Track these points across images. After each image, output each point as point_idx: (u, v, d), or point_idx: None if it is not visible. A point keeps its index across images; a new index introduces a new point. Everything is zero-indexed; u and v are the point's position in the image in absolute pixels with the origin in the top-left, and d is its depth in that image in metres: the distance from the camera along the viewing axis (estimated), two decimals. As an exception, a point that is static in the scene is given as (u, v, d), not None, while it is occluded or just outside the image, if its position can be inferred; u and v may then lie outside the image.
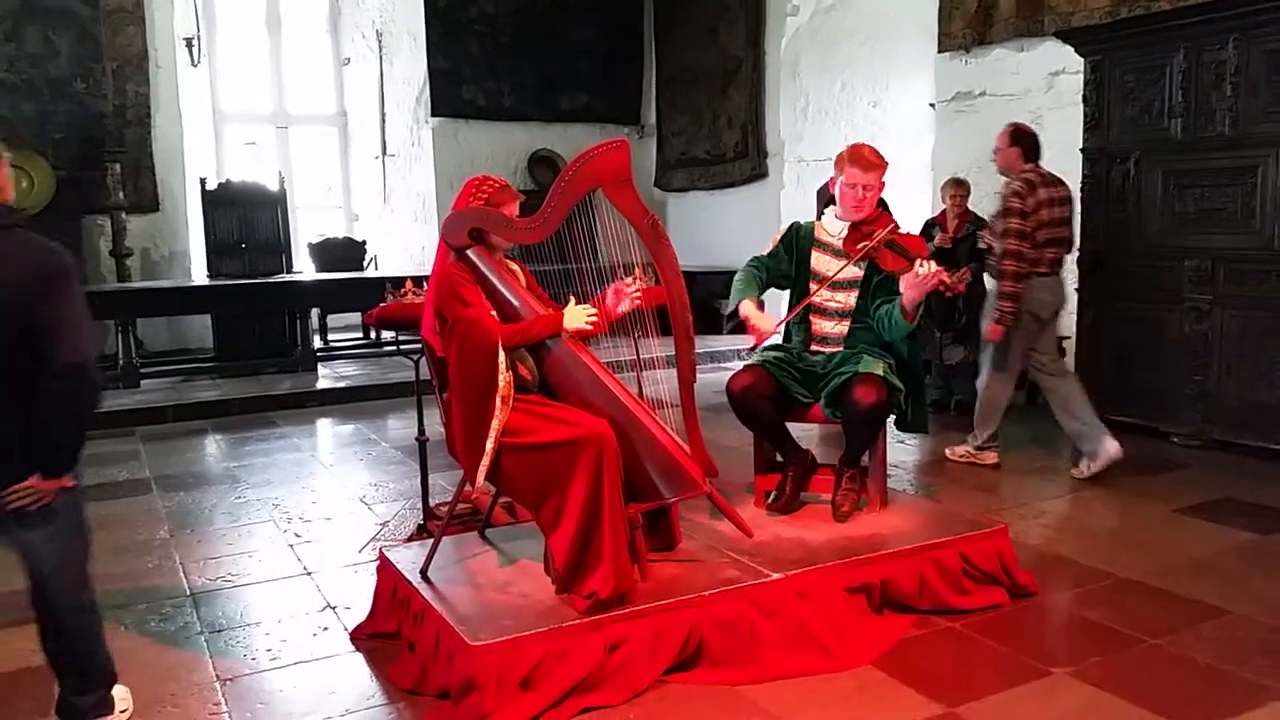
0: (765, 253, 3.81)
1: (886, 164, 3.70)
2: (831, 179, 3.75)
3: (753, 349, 3.66)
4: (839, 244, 3.68)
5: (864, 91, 9.96)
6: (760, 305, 3.66)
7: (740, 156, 10.63)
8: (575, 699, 2.65)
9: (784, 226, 3.89)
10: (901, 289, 3.46)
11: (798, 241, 3.77)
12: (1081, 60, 6.07)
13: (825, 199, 6.09)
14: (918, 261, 3.40)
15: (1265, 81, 5.08)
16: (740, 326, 3.73)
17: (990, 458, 5.25)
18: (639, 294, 3.12)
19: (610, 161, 2.95)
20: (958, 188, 6.48)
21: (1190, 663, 2.93)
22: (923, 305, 3.45)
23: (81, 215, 9.29)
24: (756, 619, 2.91)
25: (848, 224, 3.67)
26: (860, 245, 3.56)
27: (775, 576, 3.01)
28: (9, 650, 3.23)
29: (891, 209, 4.13)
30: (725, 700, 2.74)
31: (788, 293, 3.84)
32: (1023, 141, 5.04)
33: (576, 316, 2.99)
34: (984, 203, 6.75)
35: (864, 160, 3.63)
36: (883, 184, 3.70)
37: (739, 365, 3.75)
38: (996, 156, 5.12)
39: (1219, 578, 3.59)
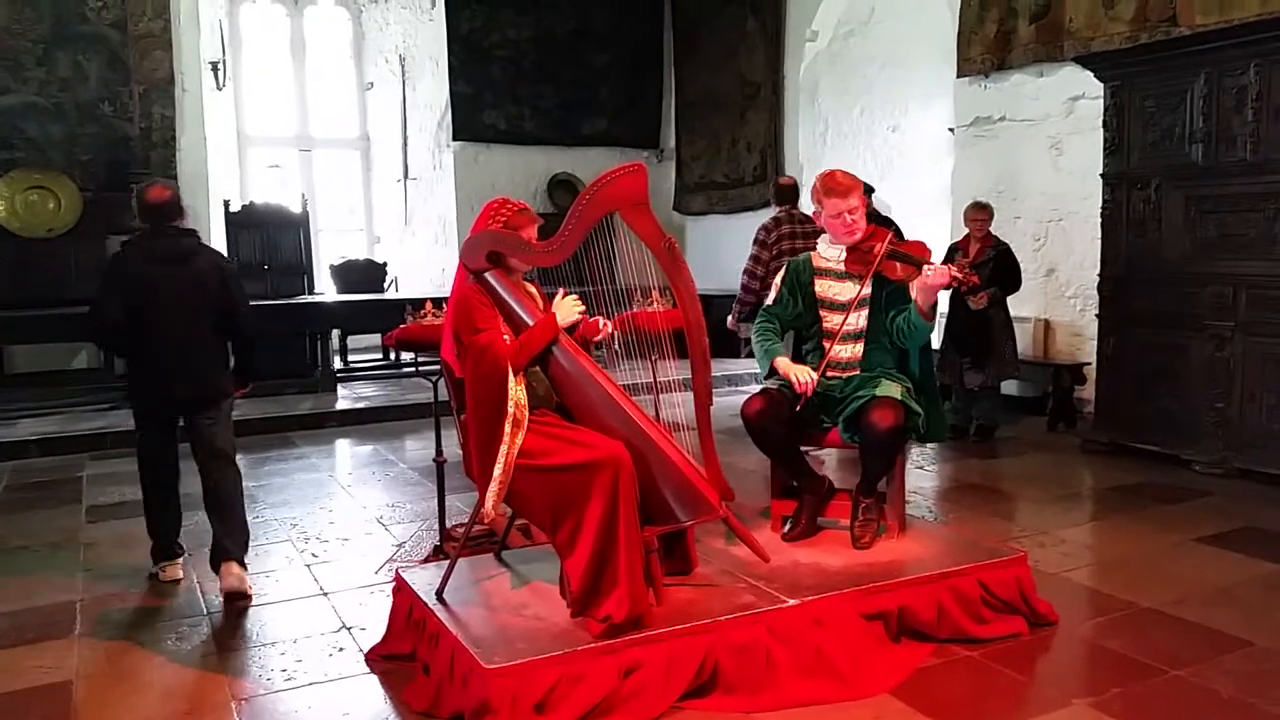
0: (770, 302, 3.80)
1: (860, 181, 3.69)
2: (815, 213, 3.74)
3: (805, 401, 3.52)
4: (840, 267, 3.68)
5: (883, 116, 9.98)
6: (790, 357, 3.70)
7: (759, 180, 10.66)
8: (589, 723, 2.64)
9: (780, 271, 3.87)
10: (913, 294, 3.46)
11: (798, 278, 3.76)
12: (1101, 85, 6.06)
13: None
14: (924, 265, 3.41)
15: (1287, 107, 5.06)
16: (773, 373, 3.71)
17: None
18: (608, 329, 3.28)
19: (627, 185, 2.97)
20: (979, 211, 6.45)
21: (1213, 695, 2.88)
22: (935, 307, 3.46)
23: (107, 235, 9.37)
24: (772, 645, 2.89)
25: (843, 247, 3.67)
26: (864, 264, 3.56)
27: (791, 602, 2.99)
28: (20, 668, 3.25)
29: (900, 227, 4.14)
30: (740, 727, 2.72)
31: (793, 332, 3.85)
32: (778, 191, 6.77)
33: (567, 310, 3.02)
34: (1003, 228, 6.74)
35: (839, 187, 3.61)
36: (865, 199, 3.69)
37: (756, 389, 3.75)
38: None
39: (1241, 608, 3.54)
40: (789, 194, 6.58)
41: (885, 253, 3.53)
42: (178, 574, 4.06)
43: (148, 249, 3.98)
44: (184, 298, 3.88)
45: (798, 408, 3.54)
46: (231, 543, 3.91)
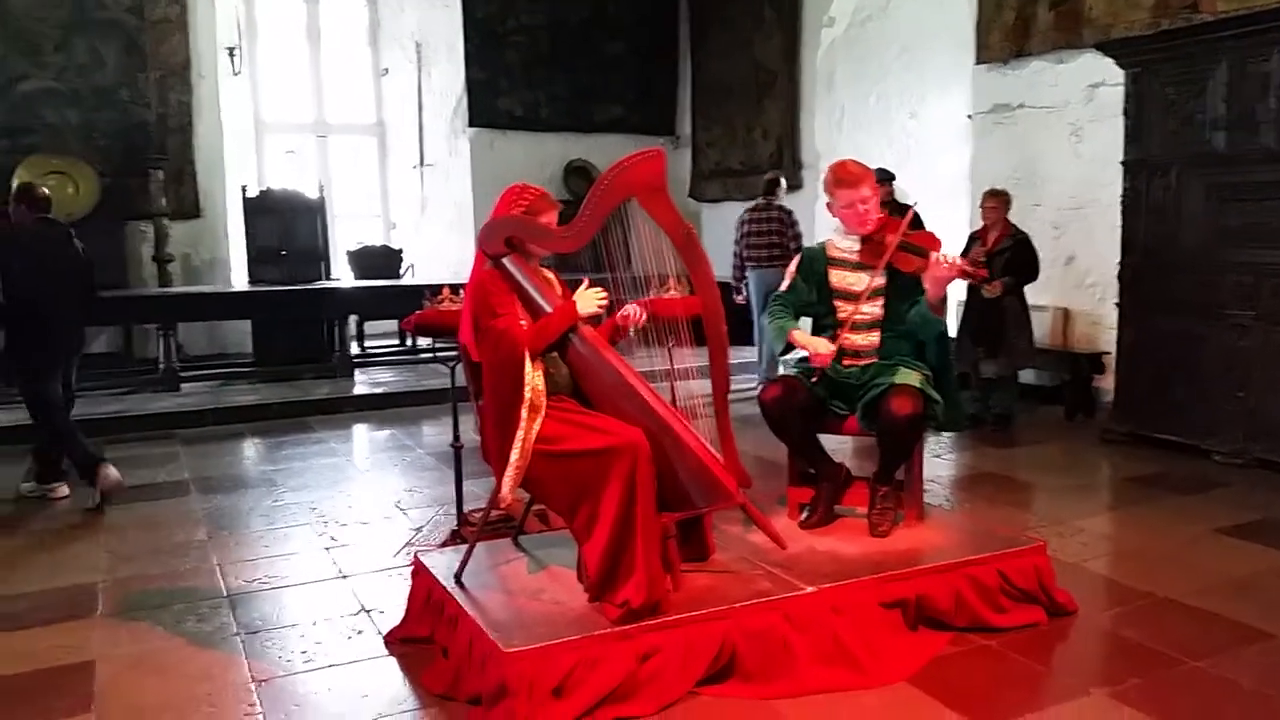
0: (784, 288, 3.80)
1: (871, 171, 3.67)
2: (827, 204, 3.72)
3: (820, 373, 3.58)
4: (854, 258, 3.66)
5: (900, 103, 9.91)
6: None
7: (775, 168, 10.60)
8: (607, 708, 2.64)
9: (795, 260, 3.88)
10: (925, 285, 3.45)
11: (812, 267, 3.75)
12: (1121, 72, 6.00)
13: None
14: (933, 256, 3.39)
15: (1312, 95, 5.00)
16: (789, 349, 3.71)
17: None
18: (640, 316, 3.23)
19: (646, 171, 2.95)
20: (991, 199, 6.40)
21: (1233, 686, 2.87)
22: (945, 301, 3.44)
23: (125, 221, 9.46)
24: (789, 632, 2.89)
25: (857, 237, 3.66)
26: (877, 256, 3.55)
27: (809, 590, 2.99)
28: (47, 647, 3.29)
29: (920, 216, 4.10)
30: (757, 714, 2.72)
31: (810, 320, 3.83)
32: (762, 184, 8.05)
33: (588, 301, 3.01)
34: (1022, 215, 6.69)
35: (849, 177, 3.59)
36: (877, 188, 3.66)
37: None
38: None
39: (1261, 599, 3.51)
40: (766, 187, 7.95)
41: (897, 244, 3.51)
42: (66, 491, 5.16)
43: (41, 234, 5.10)
44: (72, 270, 5.11)
45: (813, 380, 3.55)
46: (98, 451, 5.11)
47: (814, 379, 3.57)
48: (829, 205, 3.69)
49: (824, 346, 3.52)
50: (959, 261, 3.38)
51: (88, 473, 4.92)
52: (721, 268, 7.15)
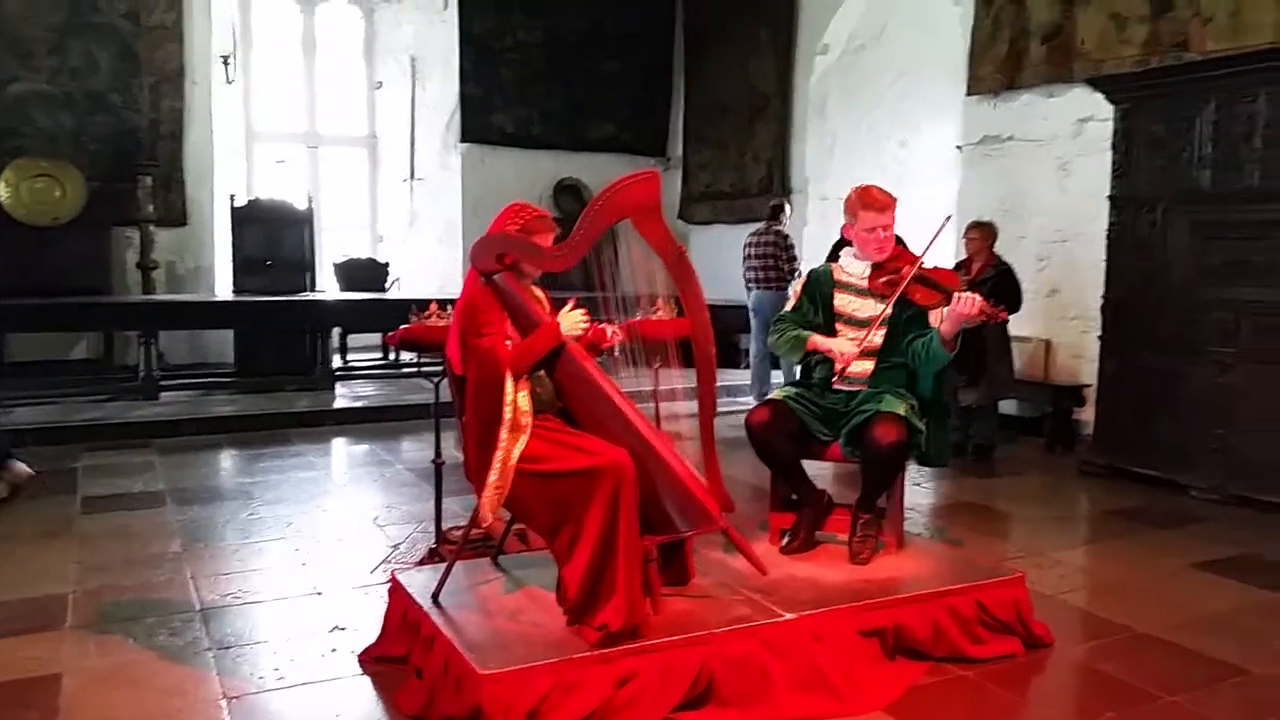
0: (789, 308, 3.82)
1: (895, 199, 3.68)
2: (845, 225, 3.73)
3: (843, 373, 3.60)
4: (862, 283, 3.67)
5: (891, 132, 9.99)
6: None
7: (764, 191, 10.65)
8: (582, 733, 2.62)
9: (802, 277, 3.89)
10: (934, 321, 3.46)
11: (819, 289, 3.77)
12: (1110, 108, 6.06)
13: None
14: (955, 295, 3.39)
15: (1296, 136, 5.06)
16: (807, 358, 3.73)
17: None
18: (618, 334, 3.34)
19: (640, 192, 2.95)
20: (973, 230, 6.46)
21: (1208, 723, 2.87)
22: (960, 336, 3.45)
23: (111, 226, 9.41)
24: (768, 659, 2.87)
25: (868, 263, 3.67)
26: (888, 282, 3.56)
27: (788, 617, 2.98)
28: (14, 659, 3.24)
29: (907, 244, 4.11)
30: (733, 741, 2.70)
31: None
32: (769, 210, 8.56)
33: (571, 323, 3.01)
34: (1008, 247, 6.72)
35: (876, 202, 3.62)
36: (893, 219, 3.68)
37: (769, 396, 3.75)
38: None
39: (1238, 636, 3.52)
40: (771, 212, 8.49)
41: (913, 275, 3.52)
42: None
43: None
44: None
45: (834, 379, 3.60)
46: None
47: (837, 374, 3.60)
48: (847, 226, 3.71)
49: (846, 346, 3.56)
50: (979, 301, 3.36)
51: None
52: (709, 290, 7.16)
